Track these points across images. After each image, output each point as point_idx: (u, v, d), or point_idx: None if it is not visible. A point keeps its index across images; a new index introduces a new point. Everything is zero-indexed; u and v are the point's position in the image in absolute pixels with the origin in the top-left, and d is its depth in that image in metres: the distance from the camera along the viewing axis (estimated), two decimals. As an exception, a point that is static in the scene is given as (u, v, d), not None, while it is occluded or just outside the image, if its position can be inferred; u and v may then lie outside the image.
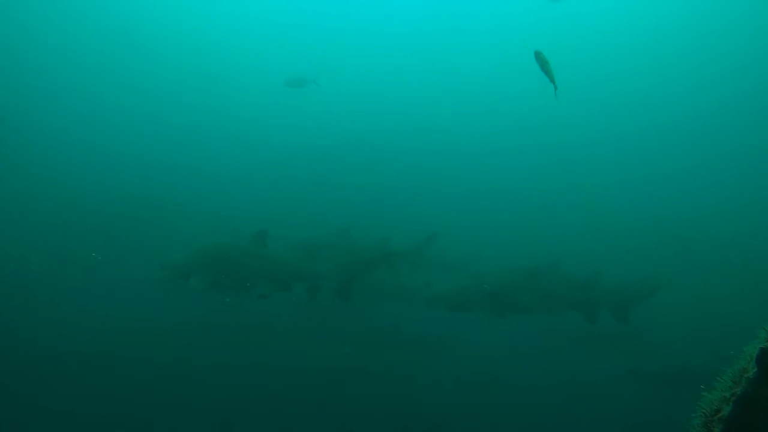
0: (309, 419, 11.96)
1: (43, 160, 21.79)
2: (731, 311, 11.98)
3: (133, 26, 32.24)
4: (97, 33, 31.85)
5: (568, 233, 19.43)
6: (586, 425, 11.49)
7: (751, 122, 28.04)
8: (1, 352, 11.26)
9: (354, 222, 14.51)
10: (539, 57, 6.46)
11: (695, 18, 31.89)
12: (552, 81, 6.56)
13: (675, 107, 30.26)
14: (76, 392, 11.03)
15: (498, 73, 31.22)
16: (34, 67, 29.70)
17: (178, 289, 13.05)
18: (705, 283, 15.47)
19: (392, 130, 25.70)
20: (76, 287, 13.96)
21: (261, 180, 21.36)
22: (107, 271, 14.49)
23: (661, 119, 29.37)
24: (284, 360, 13.69)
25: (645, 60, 32.49)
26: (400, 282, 13.79)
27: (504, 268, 12.89)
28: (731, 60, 31.51)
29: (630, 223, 20.47)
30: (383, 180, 21.85)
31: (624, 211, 21.37)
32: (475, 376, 13.24)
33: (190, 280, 9.76)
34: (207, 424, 11.08)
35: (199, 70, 32.16)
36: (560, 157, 24.96)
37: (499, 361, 13.55)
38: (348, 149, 23.69)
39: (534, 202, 22.16)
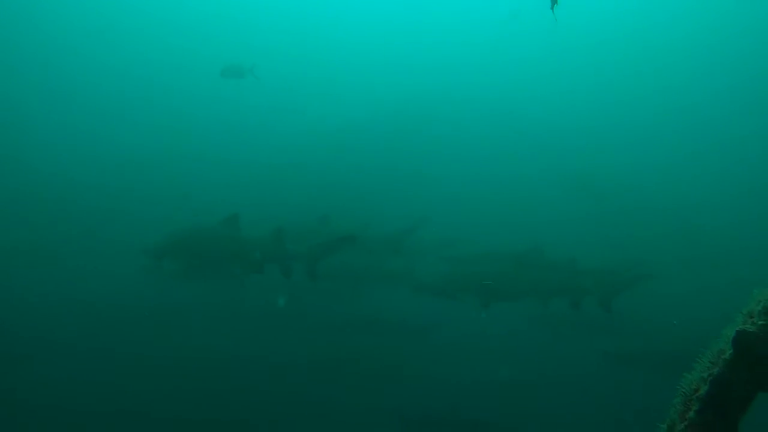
0: (294, 409, 12.09)
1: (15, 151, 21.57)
2: (714, 296, 12.24)
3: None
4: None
5: (547, 220, 19.60)
6: (572, 410, 11.78)
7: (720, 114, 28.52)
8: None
9: (336, 207, 14.61)
10: None
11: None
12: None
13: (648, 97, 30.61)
14: (57, 384, 11.10)
15: (478, 62, 31.19)
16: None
17: (165, 277, 13.27)
18: (687, 270, 15.77)
19: (374, 118, 25.73)
20: (57, 278, 13.98)
21: (246, 167, 21.36)
22: (89, 262, 14.52)
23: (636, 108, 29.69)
24: (264, 348, 13.83)
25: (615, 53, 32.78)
26: (386, 267, 13.97)
27: (487, 253, 13.09)
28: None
29: (614, 211, 20.66)
30: (365, 167, 21.98)
31: (608, 197, 21.52)
32: (462, 365, 13.46)
33: (163, 262, 10.42)
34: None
35: (176, 56, 31.75)
36: (538, 145, 25.06)
37: (487, 348, 13.77)
38: (331, 136, 23.75)
39: (511, 188, 22.35)
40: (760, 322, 2.11)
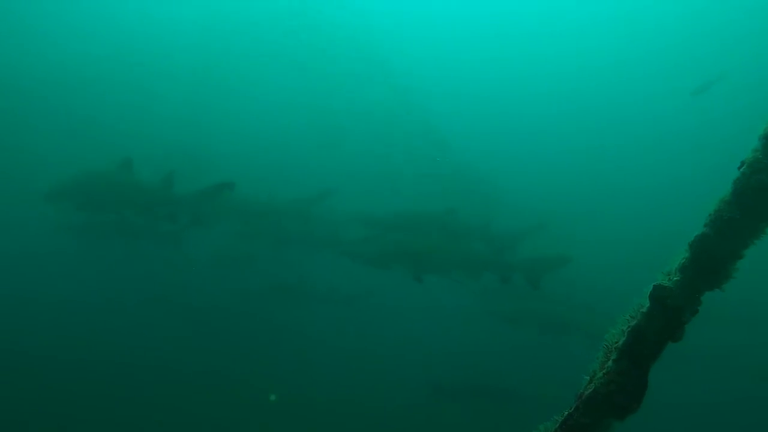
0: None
1: None
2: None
3: None
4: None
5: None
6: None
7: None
8: None
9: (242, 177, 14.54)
10: None
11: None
12: None
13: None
14: None
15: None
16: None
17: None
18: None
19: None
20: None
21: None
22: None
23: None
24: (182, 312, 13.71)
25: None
26: (309, 231, 14.11)
27: (407, 215, 13.43)
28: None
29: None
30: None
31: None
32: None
33: (59, 204, 10.81)
34: None
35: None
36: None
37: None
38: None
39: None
40: (675, 278, 2.39)
